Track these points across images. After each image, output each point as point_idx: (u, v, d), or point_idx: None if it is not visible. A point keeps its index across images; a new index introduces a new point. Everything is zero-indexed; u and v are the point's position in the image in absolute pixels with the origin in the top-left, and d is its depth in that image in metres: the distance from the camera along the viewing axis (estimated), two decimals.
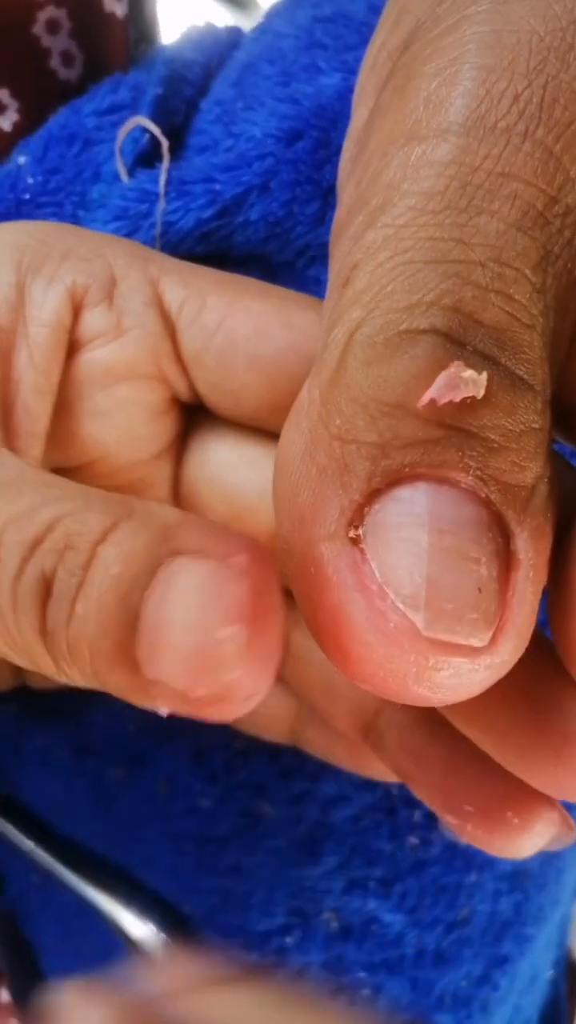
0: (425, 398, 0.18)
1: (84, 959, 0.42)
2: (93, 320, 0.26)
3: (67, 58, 0.37)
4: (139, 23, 0.40)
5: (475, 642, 0.19)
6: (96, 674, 0.20)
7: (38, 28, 0.35)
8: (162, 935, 0.38)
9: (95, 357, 0.26)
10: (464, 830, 0.27)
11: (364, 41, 0.27)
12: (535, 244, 0.19)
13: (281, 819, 0.36)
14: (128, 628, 0.19)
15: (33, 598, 0.20)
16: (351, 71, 0.30)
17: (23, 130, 0.35)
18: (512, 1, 0.19)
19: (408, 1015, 0.38)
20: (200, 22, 0.38)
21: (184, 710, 0.19)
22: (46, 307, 0.26)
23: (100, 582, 0.19)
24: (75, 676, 0.20)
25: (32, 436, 0.26)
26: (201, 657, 0.18)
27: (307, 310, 0.26)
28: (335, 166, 0.29)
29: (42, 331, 0.26)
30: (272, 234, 0.31)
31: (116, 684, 0.20)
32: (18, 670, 0.34)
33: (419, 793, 0.27)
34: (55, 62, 0.36)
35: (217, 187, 0.30)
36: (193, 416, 0.29)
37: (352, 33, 0.30)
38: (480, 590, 0.19)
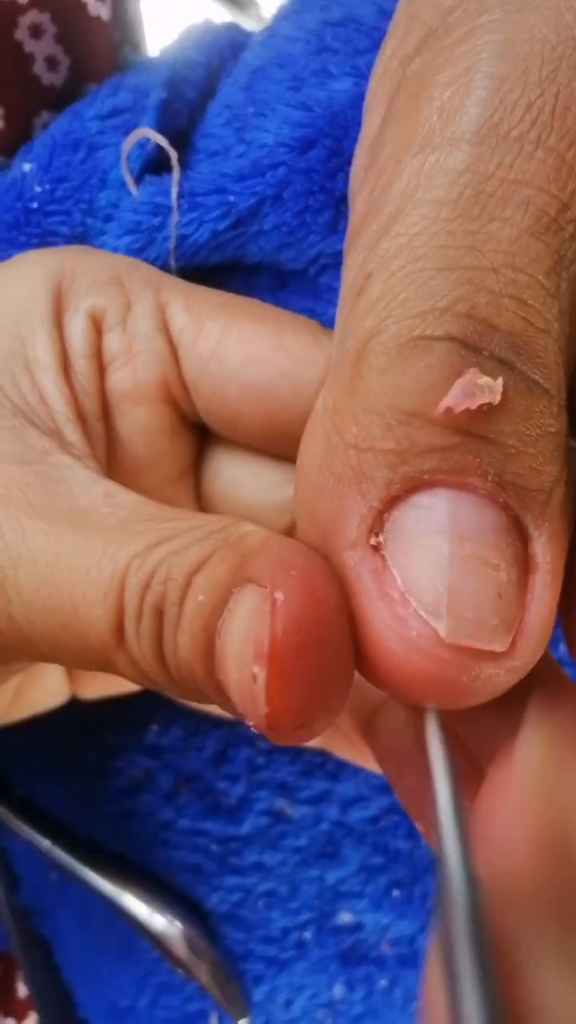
0: (442, 406, 0.19)
1: (101, 956, 0.43)
2: (110, 343, 0.27)
3: (51, 63, 0.36)
4: (122, 25, 0.39)
5: (496, 647, 0.19)
6: (203, 693, 0.21)
7: (20, 33, 0.34)
8: (182, 929, 0.39)
9: (113, 384, 0.27)
10: (429, 838, 0.27)
11: (375, 45, 0.27)
12: (548, 249, 0.19)
13: (302, 818, 0.37)
14: (211, 654, 0.20)
15: (151, 634, 0.21)
16: (362, 76, 0.29)
17: (6, 137, 0.35)
18: (524, 10, 0.20)
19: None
20: (189, 21, 0.37)
21: (260, 732, 0.20)
22: (80, 338, 0.26)
23: (190, 610, 0.20)
24: (188, 693, 0.21)
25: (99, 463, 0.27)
26: (242, 689, 0.19)
27: (302, 333, 0.26)
28: (347, 175, 0.28)
29: (82, 362, 0.26)
30: (285, 243, 0.30)
31: (217, 703, 0.21)
32: (70, 684, 0.35)
33: (396, 794, 0.28)
34: (39, 67, 0.36)
35: (231, 199, 0.29)
36: (208, 433, 0.29)
37: (362, 37, 0.30)
38: (500, 596, 0.19)
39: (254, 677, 0.19)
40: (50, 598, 0.22)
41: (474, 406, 0.18)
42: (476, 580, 0.19)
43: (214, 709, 0.34)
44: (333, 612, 0.20)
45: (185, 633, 0.20)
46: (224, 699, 0.20)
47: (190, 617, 0.20)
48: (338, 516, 0.20)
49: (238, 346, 0.26)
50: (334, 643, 0.19)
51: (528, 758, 0.18)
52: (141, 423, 0.27)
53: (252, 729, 0.20)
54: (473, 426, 0.19)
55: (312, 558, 0.20)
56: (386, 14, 0.31)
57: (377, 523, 0.20)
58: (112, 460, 0.28)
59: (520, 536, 0.20)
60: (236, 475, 0.29)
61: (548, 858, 0.16)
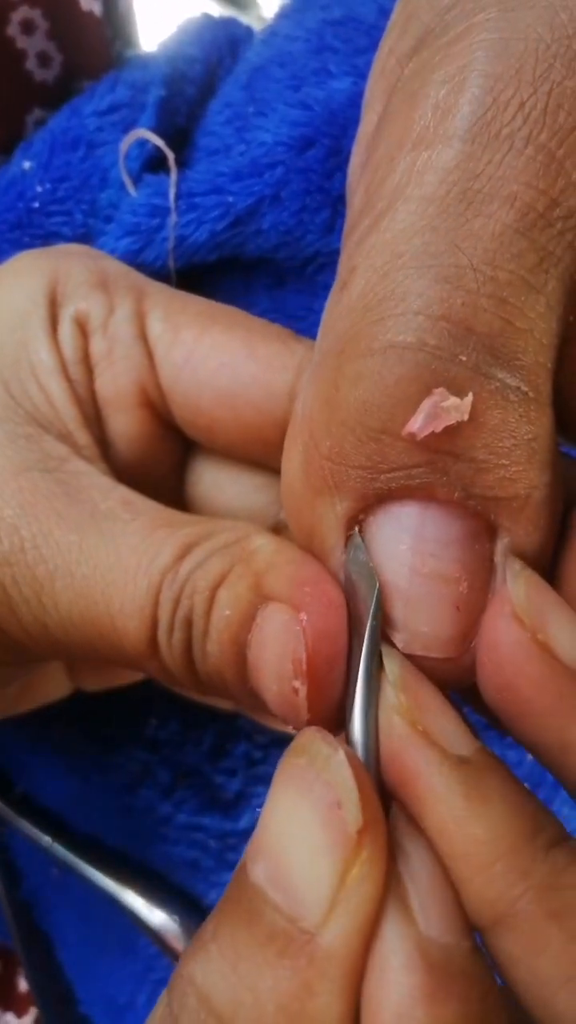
0: (407, 430, 0.19)
1: (101, 952, 0.43)
2: (94, 347, 0.27)
3: (44, 59, 0.36)
4: (114, 20, 0.39)
5: (451, 654, 0.20)
6: (231, 694, 0.22)
7: (12, 29, 0.34)
8: (181, 924, 0.39)
9: (98, 388, 0.27)
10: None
11: (374, 45, 0.27)
12: (533, 246, 0.19)
13: None
14: (243, 664, 0.22)
15: (182, 644, 0.22)
16: (361, 75, 0.29)
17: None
18: (519, 9, 0.20)
19: None
20: (184, 15, 0.37)
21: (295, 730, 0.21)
22: (69, 342, 0.26)
23: (218, 623, 0.22)
24: (218, 694, 0.23)
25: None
26: (284, 700, 0.21)
27: (272, 340, 0.26)
28: (345, 174, 0.28)
29: (74, 365, 0.26)
30: (283, 242, 0.30)
31: (245, 704, 0.23)
32: (73, 676, 0.35)
33: None
34: (31, 63, 0.35)
35: (229, 199, 0.29)
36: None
37: (362, 36, 0.30)
38: (458, 608, 0.20)
39: (296, 691, 0.20)
40: (88, 609, 0.23)
41: (439, 428, 0.18)
42: (434, 597, 0.20)
43: (214, 700, 0.34)
44: (343, 614, 0.21)
45: (214, 643, 0.22)
46: (253, 699, 0.22)
47: (218, 629, 0.22)
48: (317, 524, 0.21)
49: (211, 354, 0.26)
50: (345, 642, 0.21)
51: None
52: (124, 428, 0.27)
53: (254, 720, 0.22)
54: (441, 444, 0.19)
55: (315, 568, 0.21)
56: (386, 13, 0.31)
57: (352, 529, 0.21)
58: (105, 464, 0.28)
59: (491, 538, 0.20)
60: (216, 480, 0.29)
61: None
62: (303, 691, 0.20)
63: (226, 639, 0.21)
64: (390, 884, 0.18)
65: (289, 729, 0.31)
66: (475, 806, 0.19)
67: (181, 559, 0.22)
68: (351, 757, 0.19)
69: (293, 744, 0.20)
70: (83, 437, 0.26)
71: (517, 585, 0.20)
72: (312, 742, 0.19)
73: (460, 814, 0.19)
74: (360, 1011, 0.18)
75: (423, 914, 0.18)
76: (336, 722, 0.21)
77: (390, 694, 0.20)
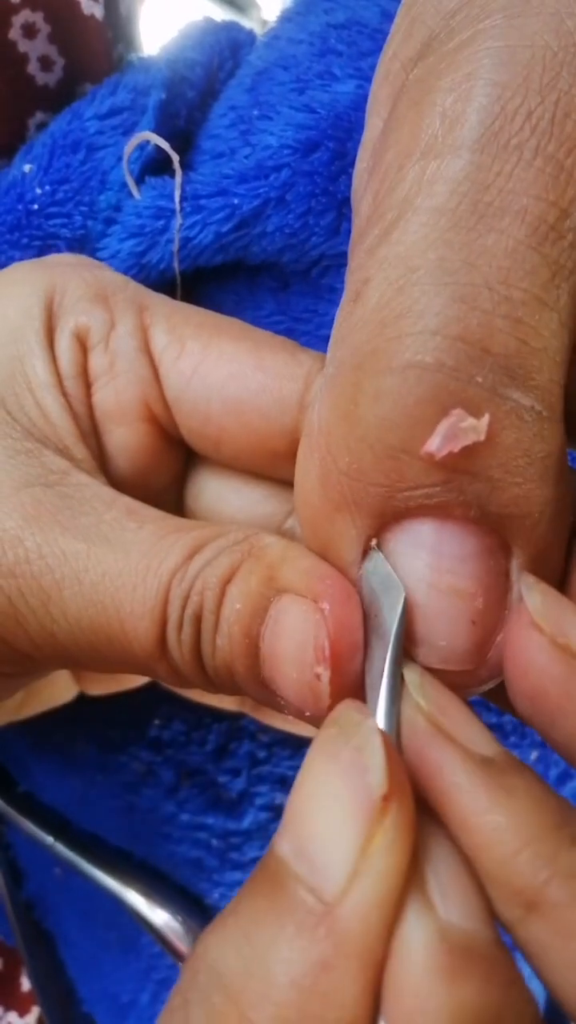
0: (425, 450, 0.19)
1: (103, 951, 0.43)
2: (94, 362, 0.27)
3: (45, 63, 0.36)
4: (115, 24, 0.39)
5: (468, 667, 0.21)
6: (240, 689, 0.23)
7: (14, 33, 0.34)
8: (184, 923, 0.39)
9: (97, 402, 0.27)
10: None
11: (378, 48, 0.27)
12: (545, 261, 0.19)
13: None
14: (254, 656, 0.22)
15: (191, 640, 0.22)
16: (366, 78, 0.29)
17: (1, 138, 0.35)
18: (525, 15, 0.19)
19: None
20: (186, 18, 0.37)
21: (307, 722, 0.22)
22: (67, 357, 0.26)
23: (228, 617, 0.22)
24: (226, 691, 0.23)
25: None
26: (304, 687, 0.21)
27: (280, 351, 0.26)
28: (350, 177, 0.28)
29: (70, 380, 0.26)
30: (288, 244, 0.31)
31: (255, 697, 0.22)
32: (78, 680, 0.35)
33: None
34: (33, 67, 0.35)
35: (235, 200, 0.30)
36: (191, 451, 0.29)
37: (366, 40, 0.30)
38: (474, 622, 0.20)
39: (318, 676, 0.20)
40: (96, 616, 0.23)
41: (457, 449, 0.18)
42: (451, 611, 0.20)
43: (216, 700, 0.35)
44: (360, 609, 0.21)
45: (224, 637, 0.22)
46: (266, 692, 0.22)
47: (229, 623, 0.22)
48: (335, 538, 0.21)
49: (219, 364, 0.26)
50: (362, 637, 0.21)
51: None
52: (124, 442, 0.27)
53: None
54: (458, 464, 0.19)
55: (328, 565, 0.22)
56: (389, 16, 0.31)
57: (369, 544, 0.21)
58: (103, 477, 0.27)
59: (506, 555, 0.20)
60: (219, 492, 0.29)
61: None
62: (326, 676, 0.20)
63: (237, 632, 0.22)
64: (412, 867, 0.18)
65: (296, 729, 0.31)
66: (499, 798, 0.19)
67: (191, 558, 0.22)
68: (382, 732, 0.19)
69: (328, 716, 0.20)
70: (80, 451, 0.26)
71: (532, 596, 0.20)
72: (345, 711, 0.20)
73: (484, 806, 0.19)
74: (381, 995, 0.18)
75: (444, 902, 0.18)
76: None
77: (412, 701, 0.20)
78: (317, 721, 0.21)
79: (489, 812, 0.19)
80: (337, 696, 0.21)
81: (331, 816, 0.18)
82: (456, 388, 0.19)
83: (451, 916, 0.18)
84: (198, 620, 0.22)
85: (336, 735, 0.19)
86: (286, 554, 0.22)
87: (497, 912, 0.19)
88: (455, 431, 0.18)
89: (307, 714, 0.21)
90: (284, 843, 0.19)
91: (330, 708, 0.21)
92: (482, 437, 0.19)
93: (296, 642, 0.21)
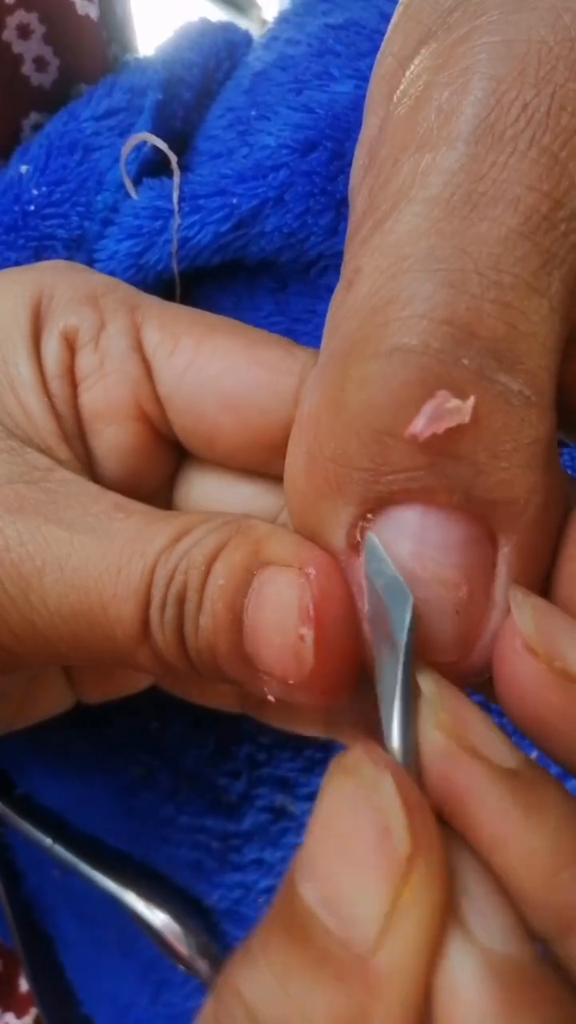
0: (409, 431, 0.19)
1: (102, 952, 0.43)
2: (82, 362, 0.27)
3: (40, 64, 0.36)
4: (111, 24, 0.39)
5: (451, 658, 0.21)
6: (221, 670, 0.22)
7: (8, 34, 0.34)
8: (183, 925, 0.39)
9: (85, 402, 0.27)
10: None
11: (376, 49, 0.27)
12: (537, 248, 0.19)
13: (303, 814, 0.37)
14: (237, 630, 0.22)
15: (174, 621, 0.22)
16: (364, 79, 0.29)
17: None
18: (522, 11, 0.20)
19: None
20: (182, 19, 0.37)
21: (288, 697, 0.22)
22: (53, 357, 0.26)
23: (212, 594, 0.22)
24: (207, 674, 0.23)
25: None
26: (288, 651, 0.21)
27: (274, 347, 0.26)
28: (348, 176, 0.28)
29: (55, 381, 0.26)
30: (286, 244, 0.31)
31: (237, 677, 0.22)
32: (75, 687, 0.35)
33: None
34: (28, 68, 0.35)
35: (233, 200, 0.29)
36: (181, 450, 0.29)
37: (364, 40, 0.30)
38: (458, 612, 0.20)
39: (302, 638, 0.21)
40: (78, 602, 0.22)
41: (441, 430, 0.18)
42: (434, 600, 0.20)
43: (217, 702, 0.34)
44: (346, 591, 0.21)
45: (207, 615, 0.22)
46: (247, 670, 0.22)
47: (212, 600, 0.22)
48: (320, 525, 0.21)
49: (213, 359, 0.26)
50: (347, 618, 0.21)
51: None
52: (114, 441, 0.27)
53: (270, 698, 0.22)
54: (442, 447, 0.19)
55: (312, 546, 0.22)
56: (387, 17, 0.31)
57: (355, 531, 0.21)
58: (89, 478, 0.27)
59: (492, 543, 0.20)
60: (209, 491, 0.29)
61: None
62: (310, 636, 0.20)
63: (220, 608, 0.21)
64: (446, 907, 0.18)
65: (296, 728, 0.31)
66: (532, 817, 0.18)
67: (178, 540, 0.22)
68: (401, 779, 0.18)
69: (342, 761, 0.19)
70: (64, 452, 0.26)
71: (524, 615, 0.20)
72: (361, 764, 0.19)
73: (518, 827, 0.18)
74: None
75: (483, 928, 0.18)
76: (341, 687, 0.21)
77: (430, 711, 0.20)
78: (301, 692, 0.21)
79: (524, 833, 0.18)
80: (323, 660, 0.21)
81: (357, 875, 0.18)
82: (442, 370, 0.19)
83: (493, 943, 0.18)
84: (182, 600, 0.22)
85: (354, 789, 0.19)
86: (274, 531, 0.22)
87: (532, 929, 0.19)
88: (440, 412, 0.18)
89: (290, 682, 0.21)
90: (309, 890, 0.18)
91: (314, 673, 0.21)
92: (467, 419, 0.19)
93: (280, 608, 0.21)
